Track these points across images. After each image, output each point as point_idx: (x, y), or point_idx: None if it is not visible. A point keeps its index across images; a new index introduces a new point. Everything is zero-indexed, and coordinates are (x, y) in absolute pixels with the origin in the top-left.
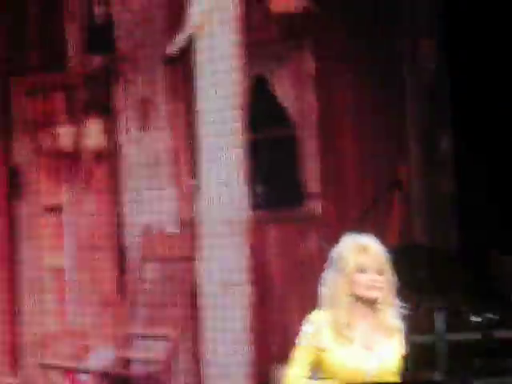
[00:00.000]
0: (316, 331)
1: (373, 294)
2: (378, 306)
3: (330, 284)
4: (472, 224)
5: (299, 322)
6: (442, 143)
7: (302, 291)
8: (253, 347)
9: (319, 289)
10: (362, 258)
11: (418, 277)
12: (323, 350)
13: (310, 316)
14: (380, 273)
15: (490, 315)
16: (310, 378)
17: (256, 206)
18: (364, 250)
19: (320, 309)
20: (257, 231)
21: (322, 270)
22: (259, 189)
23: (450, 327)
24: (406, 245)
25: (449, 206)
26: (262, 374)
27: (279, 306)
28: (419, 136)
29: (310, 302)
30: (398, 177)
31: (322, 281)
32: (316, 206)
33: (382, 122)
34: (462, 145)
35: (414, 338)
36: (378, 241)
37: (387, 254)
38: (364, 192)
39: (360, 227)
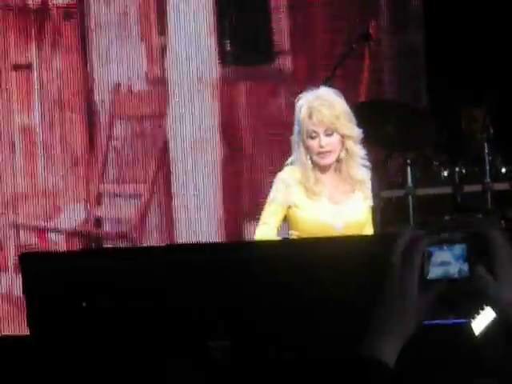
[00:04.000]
0: (286, 188)
1: (324, 161)
2: (343, 161)
3: (294, 144)
4: (443, 81)
5: (268, 180)
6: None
7: (271, 149)
8: (223, 204)
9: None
10: (311, 121)
11: (388, 132)
12: (292, 206)
13: (279, 173)
14: (330, 133)
15: (461, 169)
16: (279, 234)
17: (225, 62)
18: (314, 111)
19: (289, 166)
20: (226, 88)
21: (291, 127)
22: (228, 45)
23: (421, 182)
24: (375, 100)
25: (420, 63)
26: (231, 230)
27: (249, 164)
28: None
29: (278, 159)
30: (368, 30)
31: (292, 137)
32: (286, 63)
33: None
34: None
35: (385, 192)
36: (334, 94)
37: (346, 108)
38: (334, 48)
39: (329, 83)
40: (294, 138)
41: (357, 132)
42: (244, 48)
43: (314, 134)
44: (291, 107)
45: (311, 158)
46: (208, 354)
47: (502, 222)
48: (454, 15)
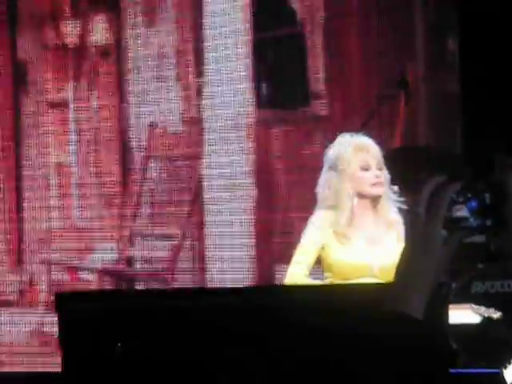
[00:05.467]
0: (318, 231)
1: (377, 191)
2: (380, 201)
3: (331, 184)
4: (478, 129)
5: (301, 224)
6: (449, 43)
7: (304, 193)
8: (256, 247)
9: (317, 190)
10: (363, 155)
11: (420, 177)
12: (325, 248)
13: (312, 217)
14: (380, 169)
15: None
16: (310, 276)
17: (260, 105)
18: (363, 148)
19: (319, 209)
20: (261, 131)
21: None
22: (264, 88)
23: None
24: (410, 146)
25: (455, 109)
26: (263, 271)
27: (282, 208)
28: (426, 35)
29: (312, 204)
30: (404, 76)
31: (320, 182)
32: (321, 107)
33: (389, 20)
34: (469, 46)
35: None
36: (371, 139)
37: (383, 152)
38: (370, 92)
39: (365, 128)
40: (331, 176)
41: (389, 178)
42: (280, 91)
43: (367, 166)
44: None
45: (358, 193)
46: None
47: None
48: (492, 62)
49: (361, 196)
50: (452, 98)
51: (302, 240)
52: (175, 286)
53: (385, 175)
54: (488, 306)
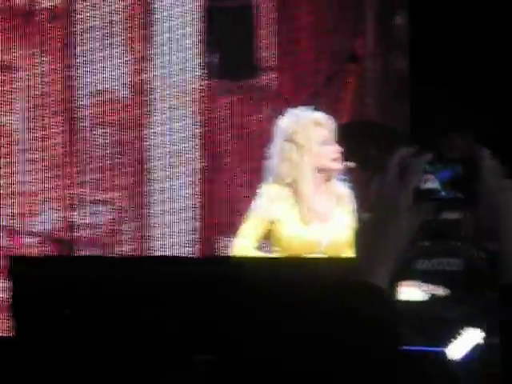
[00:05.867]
0: (268, 203)
1: (338, 165)
2: (331, 176)
3: (289, 158)
4: (426, 106)
5: (247, 194)
6: (398, 19)
7: (251, 165)
8: (199, 216)
9: (269, 161)
10: (322, 130)
11: (370, 154)
12: (276, 222)
13: (261, 189)
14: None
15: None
16: (258, 249)
17: (209, 74)
18: (322, 123)
19: (271, 182)
20: (209, 100)
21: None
22: (213, 58)
23: None
24: (359, 121)
25: (404, 87)
26: (207, 243)
27: (228, 178)
28: (376, 11)
29: (258, 174)
30: (353, 51)
31: (272, 153)
32: (270, 79)
33: None
34: (418, 22)
35: (364, 215)
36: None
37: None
38: (319, 66)
39: (314, 101)
40: (288, 151)
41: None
42: (230, 62)
43: (327, 141)
44: (272, 121)
45: (319, 167)
46: (192, 367)
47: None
48: (440, 39)
49: (320, 171)
50: (401, 73)
51: (250, 212)
52: (118, 253)
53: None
54: (434, 283)
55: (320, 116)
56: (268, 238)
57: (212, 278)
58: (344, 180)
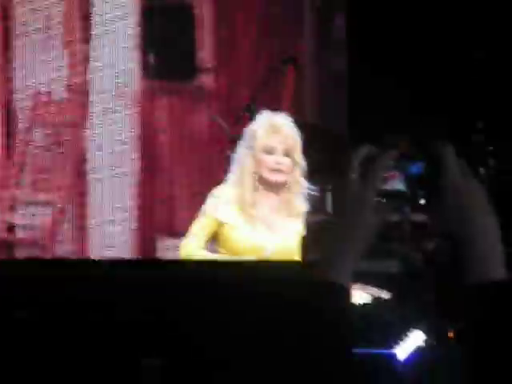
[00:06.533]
0: (218, 205)
1: (276, 177)
2: (284, 188)
3: (239, 161)
4: (364, 106)
5: (186, 196)
6: (337, 20)
7: (188, 165)
8: (139, 218)
9: (231, 164)
10: (271, 138)
11: (310, 156)
12: (224, 224)
13: (214, 190)
14: (287, 154)
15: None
16: (206, 249)
17: (147, 75)
18: (275, 130)
19: (226, 184)
20: (147, 101)
21: (210, 144)
22: (151, 58)
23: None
24: (298, 123)
25: (341, 85)
26: (144, 245)
27: (166, 179)
28: (315, 11)
29: (196, 175)
30: (293, 53)
31: (234, 156)
32: (208, 80)
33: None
34: (356, 23)
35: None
36: (291, 122)
37: (299, 139)
38: (257, 66)
39: (252, 103)
40: (240, 153)
41: (304, 164)
42: (168, 63)
43: (270, 150)
44: (212, 125)
45: (259, 176)
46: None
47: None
48: (378, 41)
49: (261, 179)
50: (339, 73)
51: (201, 212)
52: (57, 255)
53: (295, 163)
54: (374, 284)
55: (277, 121)
56: (216, 239)
57: (161, 280)
58: (312, 190)
